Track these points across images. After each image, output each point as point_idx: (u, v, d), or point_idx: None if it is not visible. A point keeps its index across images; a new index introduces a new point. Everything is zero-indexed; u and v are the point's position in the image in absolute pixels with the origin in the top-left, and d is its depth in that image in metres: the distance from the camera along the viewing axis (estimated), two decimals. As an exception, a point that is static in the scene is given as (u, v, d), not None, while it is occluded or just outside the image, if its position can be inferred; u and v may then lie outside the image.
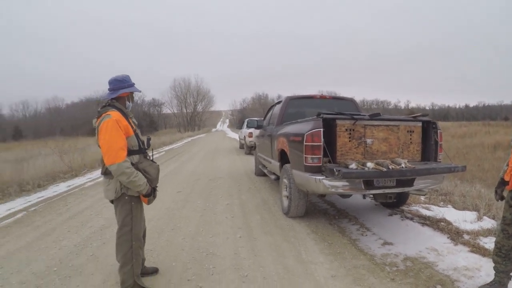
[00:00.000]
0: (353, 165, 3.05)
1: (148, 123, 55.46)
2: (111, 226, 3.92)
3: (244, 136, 13.19)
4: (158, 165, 2.45)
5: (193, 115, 67.20)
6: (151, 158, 2.49)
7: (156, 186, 2.42)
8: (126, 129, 2.19)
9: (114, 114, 2.16)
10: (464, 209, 4.26)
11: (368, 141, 3.48)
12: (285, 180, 4.25)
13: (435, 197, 5.04)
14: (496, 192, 2.39)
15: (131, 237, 2.27)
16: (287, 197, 4.17)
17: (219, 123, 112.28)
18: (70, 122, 52.61)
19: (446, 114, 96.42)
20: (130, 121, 2.32)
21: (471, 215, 3.93)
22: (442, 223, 3.75)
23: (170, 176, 7.81)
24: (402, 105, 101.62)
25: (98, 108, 2.29)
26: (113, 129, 2.10)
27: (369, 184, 3.26)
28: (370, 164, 3.05)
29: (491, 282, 2.36)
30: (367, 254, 3.06)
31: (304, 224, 3.94)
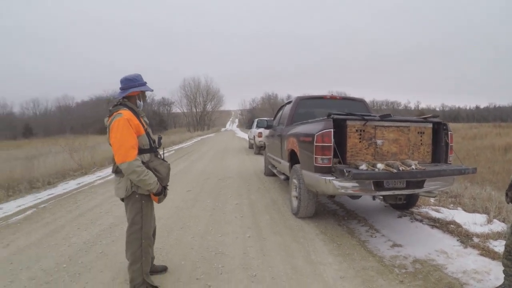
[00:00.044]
0: (363, 166, 3.03)
1: (157, 122, 55.96)
2: (121, 224, 3.96)
3: (254, 136, 13.19)
4: (169, 164, 2.46)
5: (202, 115, 67.41)
6: (162, 157, 2.50)
7: (167, 185, 2.43)
8: (137, 128, 2.21)
9: (125, 113, 2.18)
10: (474, 211, 4.20)
11: (378, 142, 3.45)
12: (294, 181, 4.24)
13: (445, 199, 4.97)
14: (506, 194, 2.35)
15: (140, 236, 2.29)
16: (297, 197, 4.16)
17: (229, 123, 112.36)
18: (80, 121, 53.14)
19: (457, 115, 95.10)
20: (142, 120, 2.34)
21: (481, 217, 3.88)
22: (451, 226, 3.70)
23: (180, 175, 7.85)
24: (412, 106, 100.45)
25: (109, 107, 2.31)
26: (124, 128, 2.12)
27: (379, 186, 3.23)
28: (380, 165, 3.03)
29: (500, 285, 2.32)
30: (376, 256, 3.03)
31: (313, 224, 3.92)
